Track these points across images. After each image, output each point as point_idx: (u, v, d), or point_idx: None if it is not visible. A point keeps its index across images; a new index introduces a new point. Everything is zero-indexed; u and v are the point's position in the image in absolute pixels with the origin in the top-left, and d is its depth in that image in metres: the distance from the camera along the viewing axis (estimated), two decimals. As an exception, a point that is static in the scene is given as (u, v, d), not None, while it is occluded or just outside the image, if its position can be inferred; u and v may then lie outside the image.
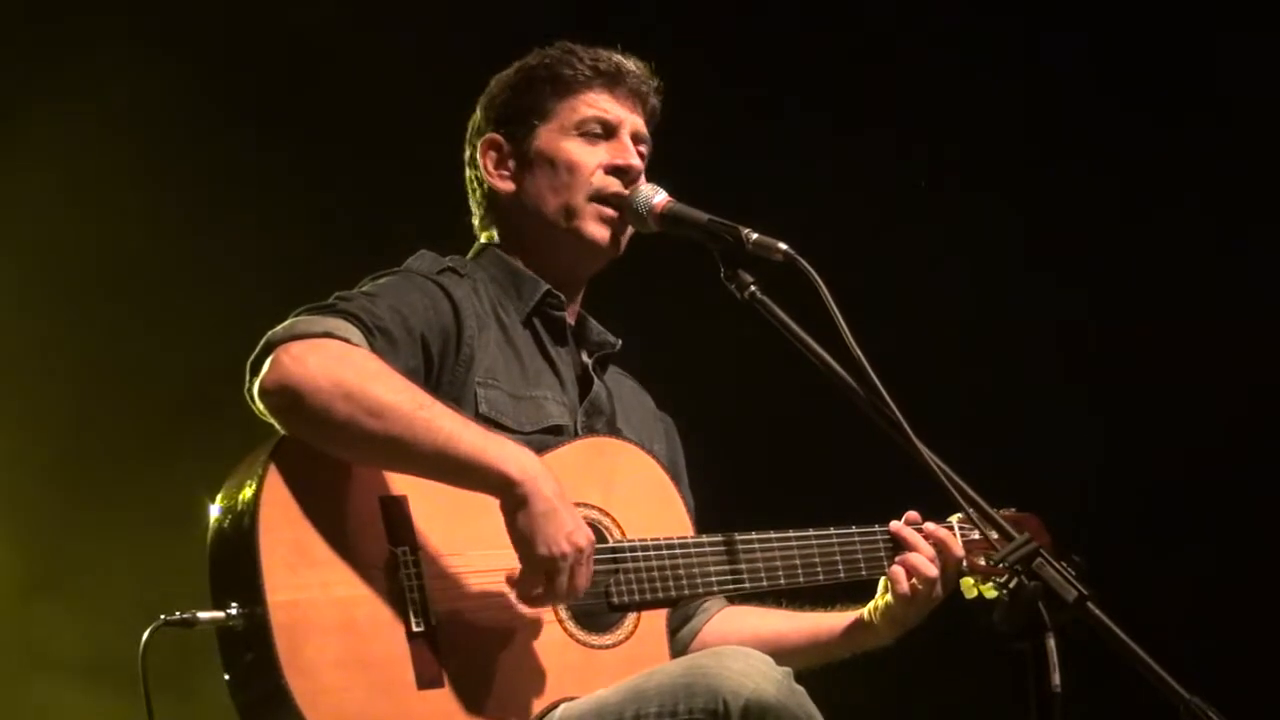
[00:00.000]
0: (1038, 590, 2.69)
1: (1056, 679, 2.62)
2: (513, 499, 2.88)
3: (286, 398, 2.87)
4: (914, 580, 3.32)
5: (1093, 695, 2.73)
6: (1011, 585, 2.72)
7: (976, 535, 3.35)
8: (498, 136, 3.38)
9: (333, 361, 2.89)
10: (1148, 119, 5.42)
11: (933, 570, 3.32)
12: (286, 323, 2.95)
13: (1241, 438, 5.27)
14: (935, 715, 5.23)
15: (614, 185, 3.32)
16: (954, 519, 3.43)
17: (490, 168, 3.38)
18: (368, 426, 2.85)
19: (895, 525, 3.38)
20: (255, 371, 2.91)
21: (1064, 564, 2.73)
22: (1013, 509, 3.50)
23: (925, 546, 3.35)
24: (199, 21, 4.83)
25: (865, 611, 3.41)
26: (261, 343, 2.94)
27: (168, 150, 4.79)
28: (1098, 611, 2.70)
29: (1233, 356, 5.25)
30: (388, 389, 2.89)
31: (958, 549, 3.36)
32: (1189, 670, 2.68)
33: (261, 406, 2.92)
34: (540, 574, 2.89)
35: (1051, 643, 2.64)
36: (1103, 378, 5.37)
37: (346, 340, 2.93)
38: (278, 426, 2.92)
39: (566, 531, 2.88)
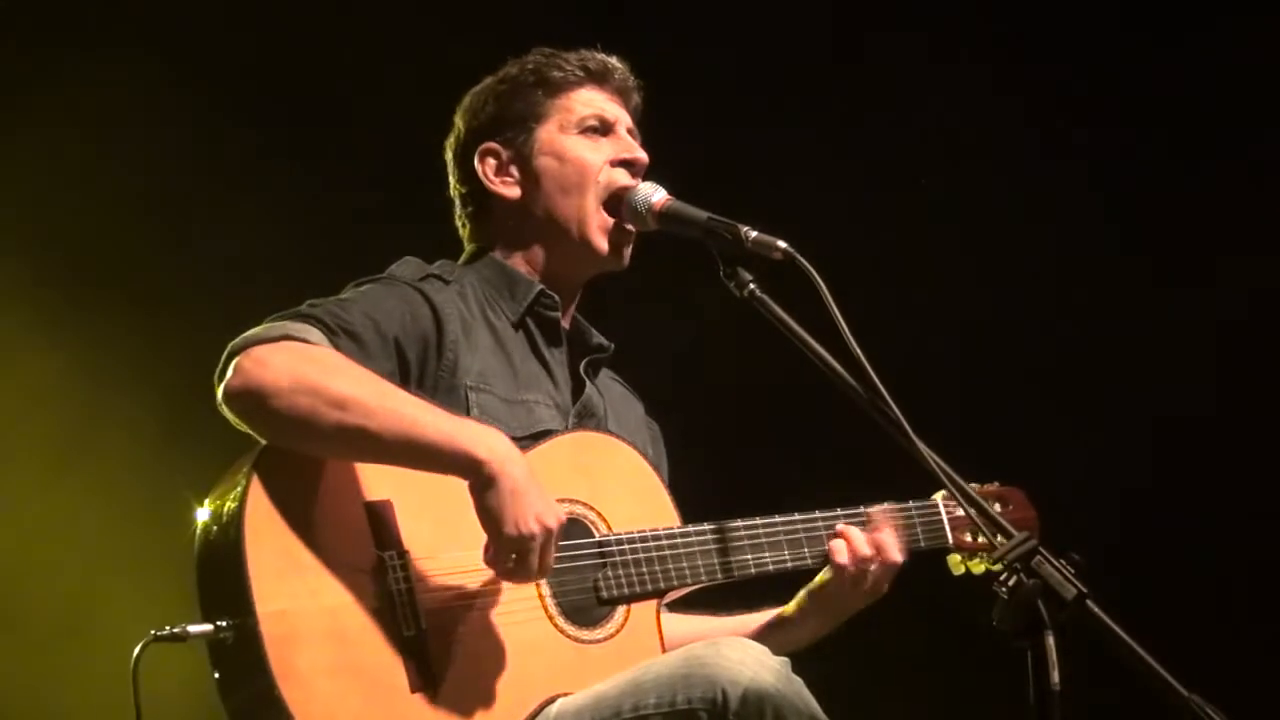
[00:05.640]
0: (1036, 588, 2.68)
1: (1055, 677, 2.61)
2: (480, 479, 2.89)
3: (250, 401, 2.89)
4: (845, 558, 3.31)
5: (1092, 694, 2.72)
6: (1010, 583, 2.71)
7: (962, 512, 3.37)
8: (494, 144, 3.38)
9: (293, 360, 2.90)
10: (1145, 116, 5.42)
11: (866, 550, 3.30)
12: (248, 331, 2.97)
13: (1241, 434, 5.27)
14: (932, 707, 5.23)
15: (623, 178, 3.34)
16: (938, 496, 3.47)
17: (491, 175, 3.38)
18: (332, 419, 2.86)
19: (873, 511, 3.39)
20: (221, 380, 2.93)
21: (1062, 562, 2.71)
22: (996, 483, 3.57)
23: (888, 531, 3.35)
24: (200, 19, 4.82)
25: (789, 606, 3.41)
26: (224, 352, 2.95)
27: (168, 149, 4.78)
28: (1097, 609, 2.69)
29: (1233, 352, 5.25)
30: (348, 381, 2.90)
31: (892, 555, 3.33)
32: (1188, 668, 2.68)
33: (229, 412, 2.93)
34: (508, 553, 2.89)
35: (1050, 641, 2.63)
36: (1102, 373, 5.37)
37: (305, 340, 2.94)
38: (247, 431, 2.93)
39: (535, 512, 2.88)
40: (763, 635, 3.38)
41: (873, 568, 3.31)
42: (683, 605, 3.41)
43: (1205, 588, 5.15)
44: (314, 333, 2.97)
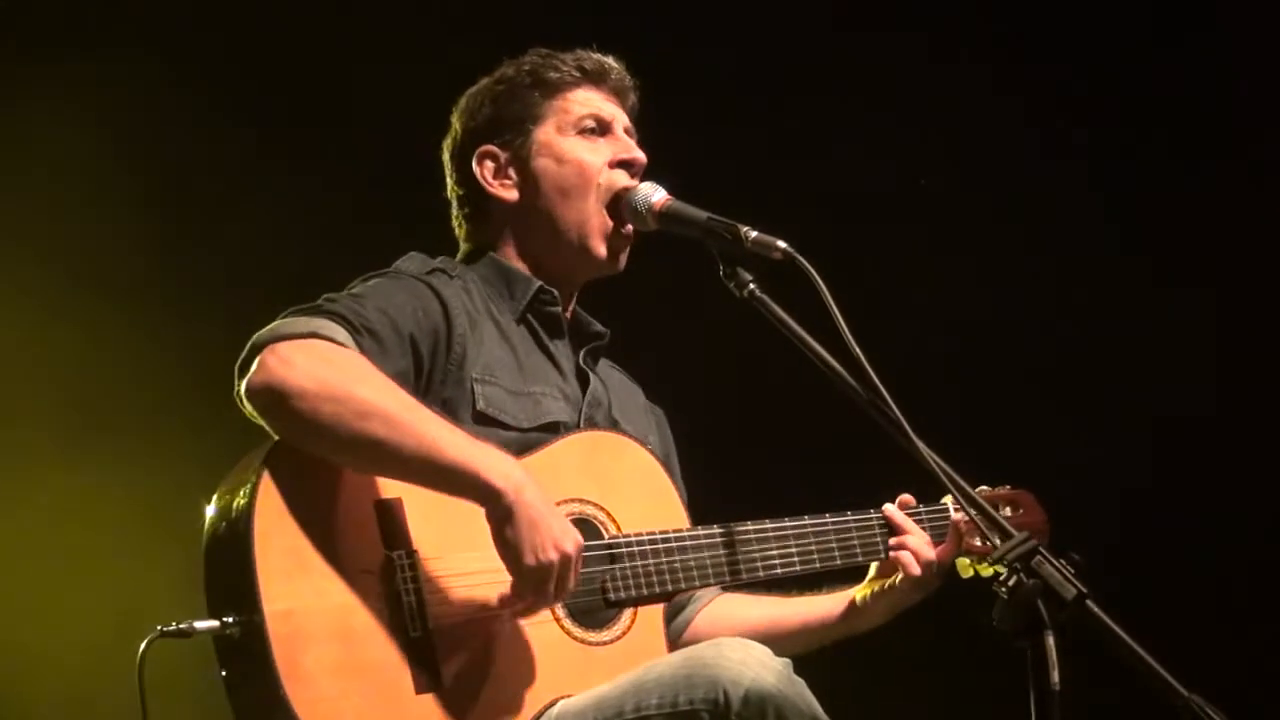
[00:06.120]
0: (1036, 588, 2.68)
1: (1055, 677, 2.61)
2: (499, 509, 2.88)
3: (272, 398, 2.87)
4: (918, 570, 3.38)
5: (1092, 694, 2.73)
6: (1010, 583, 2.71)
7: (987, 523, 3.37)
8: (492, 147, 3.38)
9: (319, 362, 2.89)
10: (1145, 116, 5.42)
11: (932, 553, 3.39)
12: (272, 324, 2.95)
13: (1241, 434, 5.26)
14: (932, 707, 5.23)
15: (623, 179, 3.34)
16: (947, 499, 3.48)
17: (489, 178, 3.38)
18: (353, 428, 2.85)
19: (889, 509, 3.43)
20: (243, 373, 2.91)
21: (1063, 562, 2.72)
22: (1007, 486, 3.56)
23: (919, 530, 3.42)
24: (200, 19, 4.82)
25: (857, 594, 3.45)
26: (248, 345, 2.93)
27: (167, 148, 4.78)
28: (1097, 609, 2.70)
29: (1233, 352, 5.25)
30: (374, 391, 2.88)
31: (965, 534, 3.42)
32: (1188, 668, 2.68)
33: (249, 407, 2.92)
34: (530, 584, 2.89)
35: (1050, 641, 2.63)
36: (1102, 373, 5.37)
37: (332, 340, 2.93)
38: (265, 427, 2.92)
39: (553, 539, 2.88)
40: (836, 621, 3.45)
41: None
42: (747, 586, 3.43)
43: (1205, 588, 5.15)
44: (340, 331, 2.96)
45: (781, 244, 3.06)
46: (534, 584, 2.89)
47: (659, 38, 4.91)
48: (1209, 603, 5.15)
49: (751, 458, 5.15)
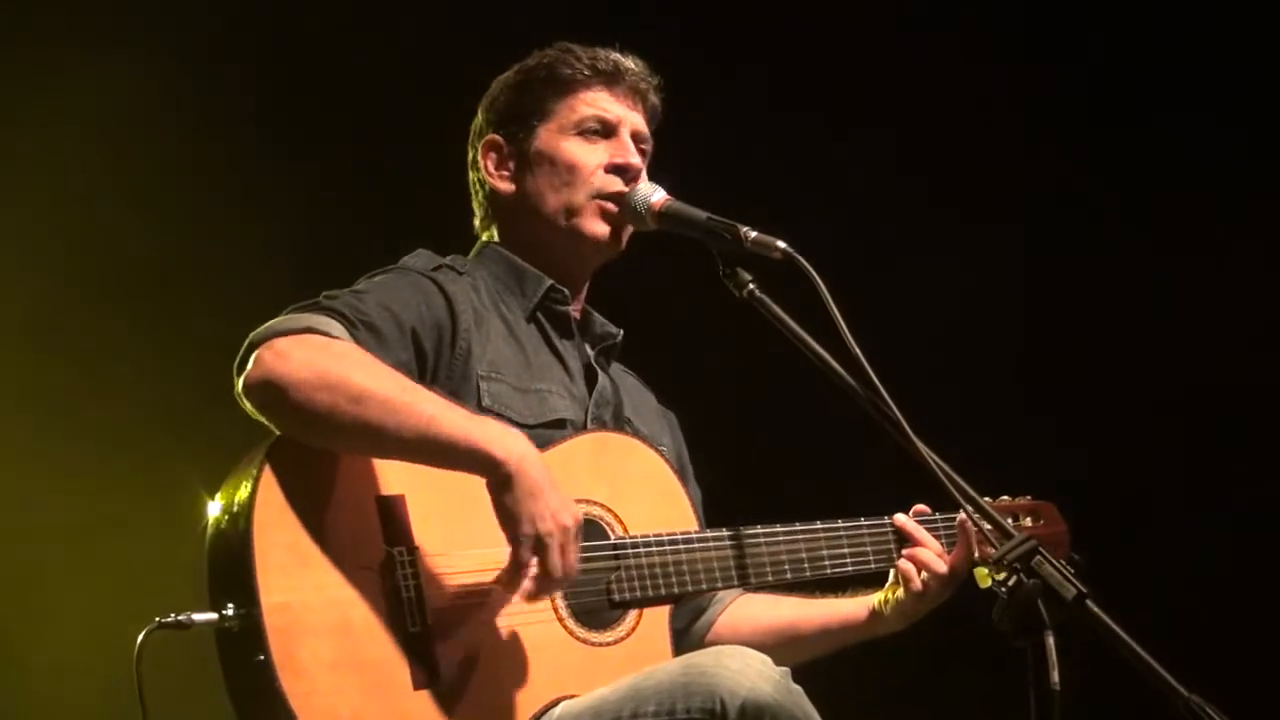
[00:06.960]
0: (1036, 588, 2.69)
1: (1055, 677, 2.61)
2: (498, 478, 2.87)
3: (270, 393, 2.88)
4: (924, 575, 3.35)
5: (1092, 694, 2.73)
6: (1010, 583, 2.72)
7: (988, 525, 3.36)
8: (498, 138, 3.40)
9: (314, 354, 2.89)
10: (1139, 126, 5.42)
11: (942, 566, 3.36)
12: (269, 322, 2.96)
13: (1238, 434, 5.27)
14: (934, 714, 5.23)
15: (614, 184, 3.34)
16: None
17: (491, 169, 3.40)
18: (349, 413, 2.85)
19: (900, 519, 3.41)
20: (241, 371, 2.92)
21: (1063, 562, 2.72)
22: (1028, 496, 3.54)
23: (932, 541, 3.39)
24: (199, 21, 4.83)
25: (876, 601, 3.43)
26: (245, 342, 2.94)
27: (168, 148, 4.79)
28: (1097, 610, 2.70)
29: (1232, 352, 5.26)
30: (368, 376, 2.89)
31: (974, 538, 3.39)
32: (1188, 668, 2.68)
33: (248, 404, 2.92)
34: (529, 553, 2.87)
35: (1050, 641, 2.63)
36: (1099, 372, 5.37)
37: (328, 335, 2.94)
38: (265, 423, 2.92)
39: (552, 510, 2.87)
40: (857, 624, 3.43)
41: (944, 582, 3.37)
42: (763, 589, 3.41)
43: (1205, 588, 5.15)
44: (335, 326, 2.97)
45: (781, 244, 3.07)
46: (531, 553, 2.87)
47: (659, 37, 4.91)
48: (1209, 603, 5.16)
49: (760, 461, 5.15)
